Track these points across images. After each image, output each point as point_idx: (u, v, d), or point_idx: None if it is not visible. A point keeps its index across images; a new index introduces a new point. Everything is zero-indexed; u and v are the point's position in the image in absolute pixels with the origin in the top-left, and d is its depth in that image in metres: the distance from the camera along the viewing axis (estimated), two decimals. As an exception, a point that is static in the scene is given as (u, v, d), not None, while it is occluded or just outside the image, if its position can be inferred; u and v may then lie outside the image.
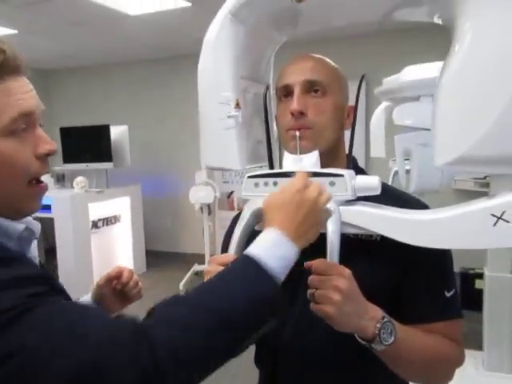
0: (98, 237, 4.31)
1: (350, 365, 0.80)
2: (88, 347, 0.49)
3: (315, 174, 0.76)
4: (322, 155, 0.81)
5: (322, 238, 0.71)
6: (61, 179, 4.52)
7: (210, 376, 0.56)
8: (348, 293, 0.66)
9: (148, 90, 5.42)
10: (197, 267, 4.44)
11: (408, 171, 1.76)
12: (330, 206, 0.73)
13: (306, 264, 0.71)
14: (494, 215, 0.67)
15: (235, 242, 0.77)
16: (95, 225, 4.29)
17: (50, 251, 4.07)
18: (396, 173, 2.61)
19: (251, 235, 0.88)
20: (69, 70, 5.93)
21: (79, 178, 4.07)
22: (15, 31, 3.95)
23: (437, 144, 0.71)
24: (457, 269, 3.80)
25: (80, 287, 3.94)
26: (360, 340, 0.70)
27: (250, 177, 0.82)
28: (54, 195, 4.00)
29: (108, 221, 4.50)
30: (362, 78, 0.86)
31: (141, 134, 5.20)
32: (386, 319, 0.69)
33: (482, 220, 0.67)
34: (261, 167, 0.95)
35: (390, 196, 0.82)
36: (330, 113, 0.82)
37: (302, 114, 0.80)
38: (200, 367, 0.54)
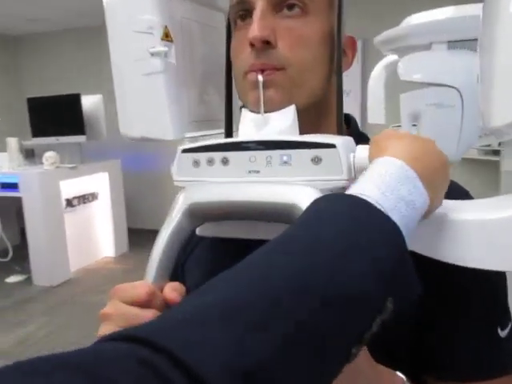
0: (74, 216, 4.00)
1: None
2: None
3: (288, 144, 0.46)
4: (302, 114, 0.50)
5: None
6: (30, 155, 4.15)
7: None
8: (349, 367, 0.36)
9: (125, 56, 5.00)
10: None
11: (416, 139, 1.45)
12: (307, 196, 0.42)
13: None
14: None
15: (156, 259, 0.47)
16: (70, 203, 3.97)
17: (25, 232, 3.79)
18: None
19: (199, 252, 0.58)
20: (37, 35, 5.47)
21: (48, 154, 3.72)
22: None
23: (496, 98, 0.41)
24: None
25: (54, 271, 3.70)
26: None
27: (185, 151, 0.51)
28: (21, 173, 3.67)
29: (84, 199, 4.18)
30: None
31: (118, 104, 4.82)
32: None
33: None
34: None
35: None
36: (314, 44, 0.50)
37: (267, 44, 0.48)
38: None
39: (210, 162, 0.49)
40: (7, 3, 4.11)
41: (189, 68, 0.59)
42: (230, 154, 0.48)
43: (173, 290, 0.44)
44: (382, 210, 0.33)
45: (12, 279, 3.81)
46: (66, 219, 3.82)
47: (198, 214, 0.48)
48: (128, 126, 0.56)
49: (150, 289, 0.43)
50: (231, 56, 0.54)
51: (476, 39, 1.23)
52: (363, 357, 0.39)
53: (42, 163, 3.79)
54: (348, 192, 0.36)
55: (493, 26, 0.41)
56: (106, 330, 0.42)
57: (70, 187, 3.92)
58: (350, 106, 3.95)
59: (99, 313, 0.44)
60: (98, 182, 4.29)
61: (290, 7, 0.49)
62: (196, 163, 0.50)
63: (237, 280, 0.28)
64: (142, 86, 0.54)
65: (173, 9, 0.55)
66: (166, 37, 0.53)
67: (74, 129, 3.89)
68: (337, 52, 0.52)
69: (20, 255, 3.86)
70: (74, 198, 4.02)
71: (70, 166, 3.88)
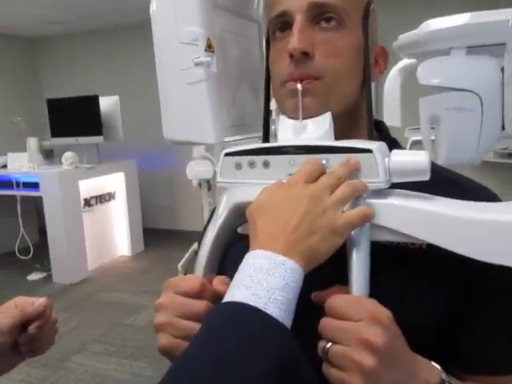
0: (91, 215, 4.08)
1: None
2: None
3: (326, 150, 0.49)
4: (336, 120, 0.54)
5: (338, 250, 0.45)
6: (50, 155, 4.24)
7: None
8: (388, 351, 0.40)
9: (141, 56, 5.07)
10: (197, 246, 4.19)
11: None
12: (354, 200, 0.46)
13: (315, 295, 0.45)
14: None
15: (205, 254, 0.51)
16: (88, 203, 4.05)
17: (44, 231, 3.87)
18: (414, 144, 2.32)
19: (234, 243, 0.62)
20: (57, 37, 5.58)
21: (67, 154, 3.80)
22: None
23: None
24: None
25: (73, 269, 3.78)
26: None
27: (227, 154, 0.55)
28: (41, 172, 3.76)
29: (102, 198, 4.25)
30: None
31: (134, 105, 4.89)
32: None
33: None
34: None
35: (442, 181, 0.55)
36: (348, 55, 0.54)
37: (305, 55, 0.52)
38: None
39: (252, 164, 0.53)
40: (28, 5, 4.21)
41: (227, 76, 0.63)
42: (270, 158, 0.52)
43: (221, 283, 0.48)
44: (260, 307, 0.38)
45: (33, 277, 3.90)
46: (84, 218, 3.90)
47: (241, 213, 0.52)
48: (172, 131, 0.61)
49: (203, 281, 0.47)
50: (269, 65, 0.58)
51: (495, 44, 1.25)
52: (401, 344, 0.42)
53: (60, 163, 3.87)
54: (225, 297, 0.40)
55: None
56: (162, 318, 0.46)
57: (88, 187, 4.00)
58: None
59: (155, 304, 0.48)
60: (115, 182, 4.37)
61: (328, 20, 0.53)
62: (238, 166, 0.53)
63: None
64: (186, 93, 0.58)
65: (214, 21, 0.59)
66: (209, 48, 0.57)
67: (91, 129, 3.97)
68: (365, 62, 0.55)
69: (39, 253, 3.95)
70: (92, 197, 4.10)
71: (88, 166, 3.96)
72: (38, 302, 0.58)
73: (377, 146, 0.49)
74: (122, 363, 2.60)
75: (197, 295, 0.46)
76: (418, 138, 2.40)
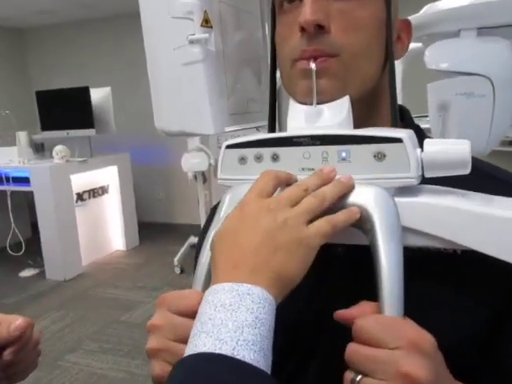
0: (85, 210, 3.99)
1: None
2: None
3: (347, 140, 0.42)
4: (354, 106, 0.46)
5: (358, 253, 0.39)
6: (40, 149, 4.13)
7: None
8: None
9: (133, 47, 4.96)
10: (193, 239, 4.14)
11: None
12: (374, 196, 0.39)
13: (339, 314, 0.38)
14: None
15: (204, 266, 0.43)
16: (80, 197, 3.96)
17: (36, 226, 3.79)
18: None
19: None
20: (45, 27, 5.43)
21: (58, 147, 3.70)
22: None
23: None
24: None
25: (66, 265, 3.70)
26: None
27: (229, 146, 0.47)
28: (32, 167, 3.66)
29: (95, 192, 4.16)
30: None
31: (127, 97, 4.78)
32: None
33: None
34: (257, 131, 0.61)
35: (483, 176, 0.48)
36: (369, 28, 0.46)
37: (320, 28, 0.44)
38: None
39: (259, 158, 0.45)
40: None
41: (226, 56, 0.55)
42: (280, 150, 0.44)
43: None
44: (228, 354, 0.31)
45: (26, 273, 3.82)
46: (77, 213, 3.81)
47: None
48: (165, 121, 0.53)
49: (201, 298, 0.39)
50: (276, 42, 0.50)
51: (508, 25, 1.15)
52: (444, 373, 0.36)
53: (51, 157, 3.77)
54: (186, 349, 0.34)
55: None
56: (154, 342, 0.39)
57: (81, 181, 3.90)
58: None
59: (148, 324, 0.41)
60: (108, 176, 4.27)
61: None
62: (243, 160, 0.46)
63: None
64: (180, 76, 0.50)
65: (211, -8, 0.51)
66: (206, 22, 0.49)
67: (83, 122, 3.87)
68: (387, 38, 0.48)
69: (32, 249, 3.86)
70: (85, 191, 4.01)
71: (80, 159, 3.86)
72: (15, 324, 0.51)
73: (406, 134, 0.41)
74: (118, 361, 2.54)
75: (194, 314, 0.39)
76: (423, 126, 2.32)
